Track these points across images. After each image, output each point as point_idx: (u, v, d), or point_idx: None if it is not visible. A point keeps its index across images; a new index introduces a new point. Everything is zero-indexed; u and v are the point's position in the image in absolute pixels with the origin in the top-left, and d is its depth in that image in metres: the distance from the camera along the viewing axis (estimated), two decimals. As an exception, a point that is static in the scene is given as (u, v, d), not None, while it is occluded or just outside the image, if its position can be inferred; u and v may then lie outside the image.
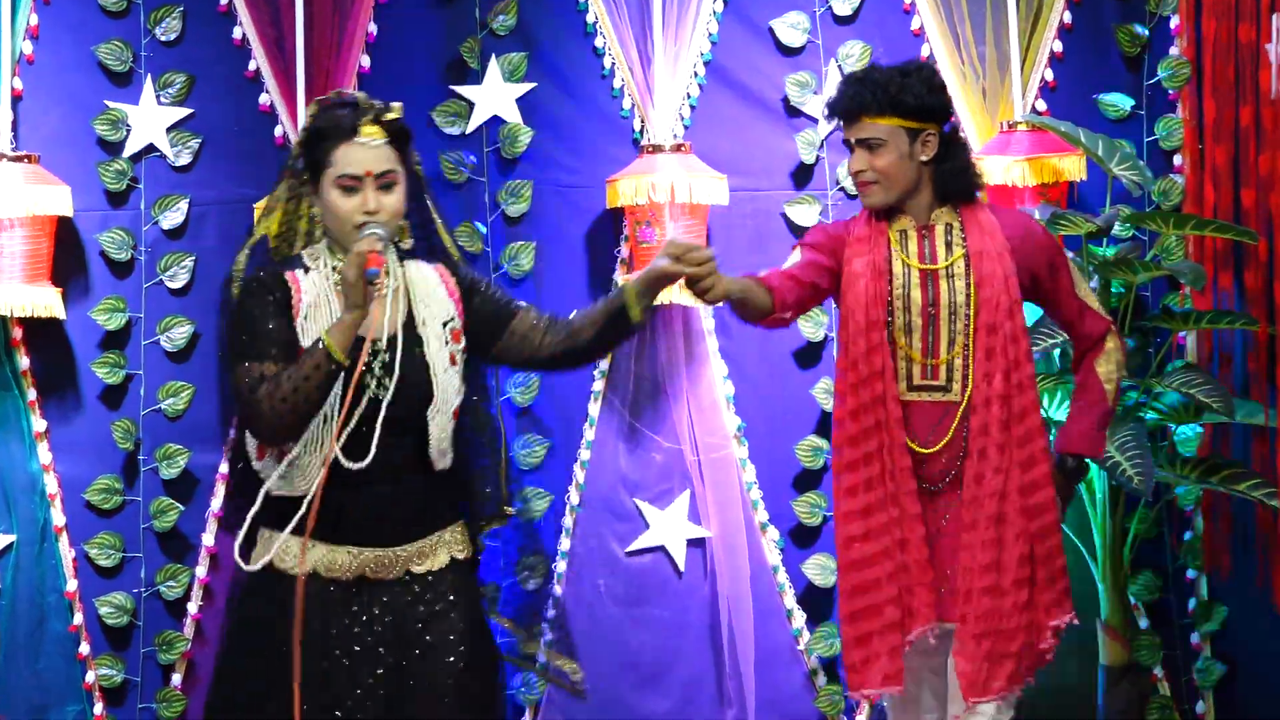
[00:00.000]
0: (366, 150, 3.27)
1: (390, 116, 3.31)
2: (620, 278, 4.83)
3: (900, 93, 3.57)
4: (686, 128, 5.00)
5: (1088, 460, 3.86)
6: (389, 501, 3.31)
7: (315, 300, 3.28)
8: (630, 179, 4.78)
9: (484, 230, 4.98)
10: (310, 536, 3.23)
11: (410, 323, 3.34)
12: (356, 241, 3.21)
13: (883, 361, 3.64)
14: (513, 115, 4.98)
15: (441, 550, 3.39)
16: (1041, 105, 5.06)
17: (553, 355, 3.41)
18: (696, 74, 5.01)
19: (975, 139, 4.93)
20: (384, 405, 3.23)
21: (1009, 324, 3.63)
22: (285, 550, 3.30)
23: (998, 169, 4.77)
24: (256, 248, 3.38)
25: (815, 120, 5.02)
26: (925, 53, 4.99)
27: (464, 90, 4.98)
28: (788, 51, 5.04)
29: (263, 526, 3.34)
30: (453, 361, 3.35)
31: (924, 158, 3.62)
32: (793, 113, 5.06)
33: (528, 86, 4.98)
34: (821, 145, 5.02)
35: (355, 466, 3.23)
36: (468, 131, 4.99)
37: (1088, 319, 3.75)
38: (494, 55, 4.96)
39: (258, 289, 3.28)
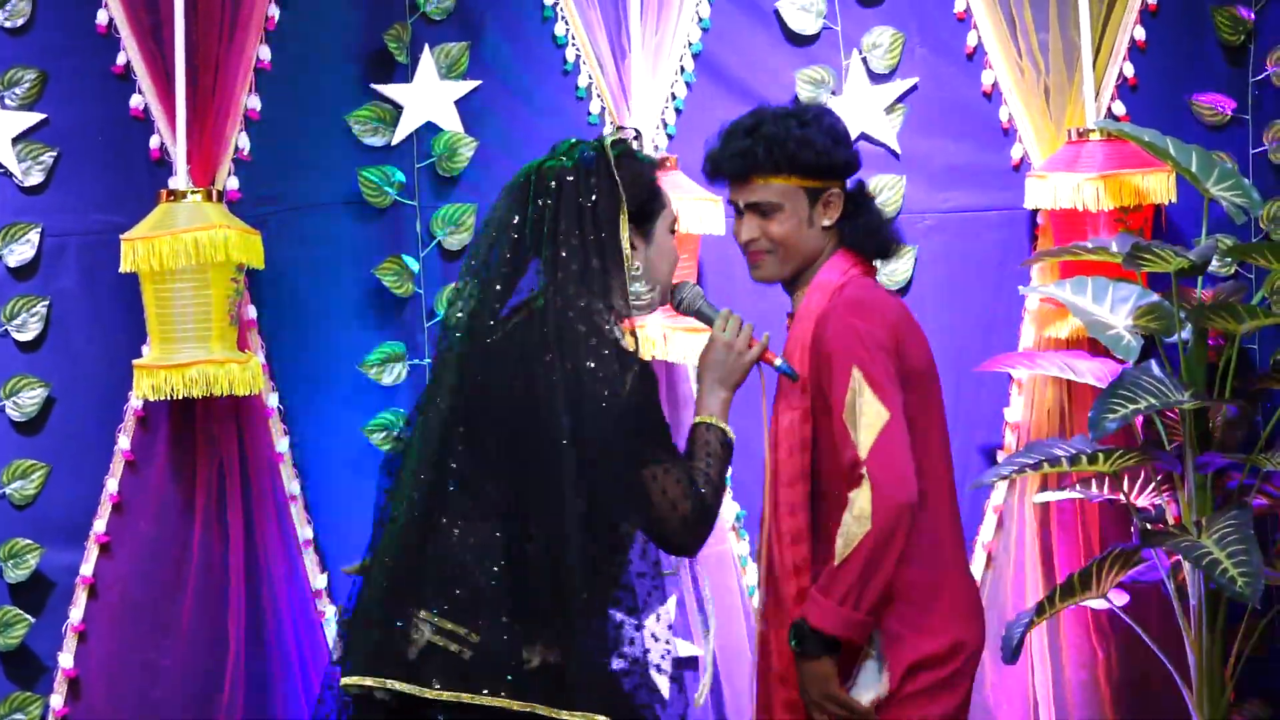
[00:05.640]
0: None
1: None
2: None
3: (801, 147, 3.50)
4: (670, 137, 4.84)
5: (821, 633, 3.40)
6: None
7: None
8: (597, 204, 4.70)
9: (415, 267, 4.82)
10: None
11: None
12: (725, 316, 3.39)
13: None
14: (451, 122, 4.83)
15: None
16: (1119, 108, 4.87)
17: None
18: (683, 69, 4.83)
19: (1037, 151, 4.78)
20: None
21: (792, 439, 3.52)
22: None
23: (1065, 189, 4.59)
24: None
25: (834, 127, 4.95)
26: (972, 42, 4.83)
27: (389, 90, 4.79)
28: (798, 40, 4.86)
29: None
30: None
31: (826, 222, 3.56)
32: (805, 118, 4.96)
33: (470, 85, 4.78)
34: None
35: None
36: (394, 143, 4.85)
37: (846, 448, 3.40)
38: (427, 46, 4.79)
39: (651, 373, 3.23)
